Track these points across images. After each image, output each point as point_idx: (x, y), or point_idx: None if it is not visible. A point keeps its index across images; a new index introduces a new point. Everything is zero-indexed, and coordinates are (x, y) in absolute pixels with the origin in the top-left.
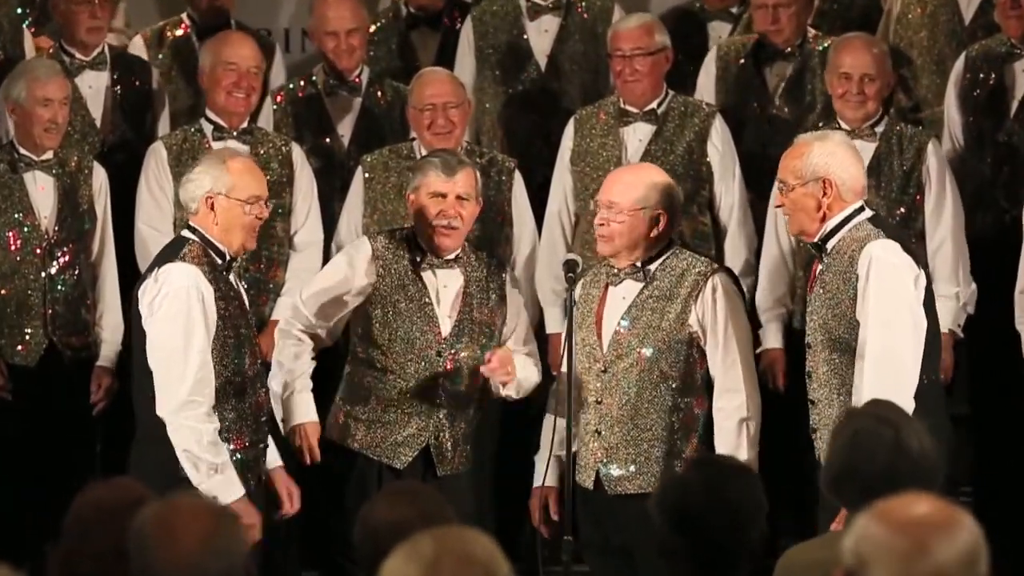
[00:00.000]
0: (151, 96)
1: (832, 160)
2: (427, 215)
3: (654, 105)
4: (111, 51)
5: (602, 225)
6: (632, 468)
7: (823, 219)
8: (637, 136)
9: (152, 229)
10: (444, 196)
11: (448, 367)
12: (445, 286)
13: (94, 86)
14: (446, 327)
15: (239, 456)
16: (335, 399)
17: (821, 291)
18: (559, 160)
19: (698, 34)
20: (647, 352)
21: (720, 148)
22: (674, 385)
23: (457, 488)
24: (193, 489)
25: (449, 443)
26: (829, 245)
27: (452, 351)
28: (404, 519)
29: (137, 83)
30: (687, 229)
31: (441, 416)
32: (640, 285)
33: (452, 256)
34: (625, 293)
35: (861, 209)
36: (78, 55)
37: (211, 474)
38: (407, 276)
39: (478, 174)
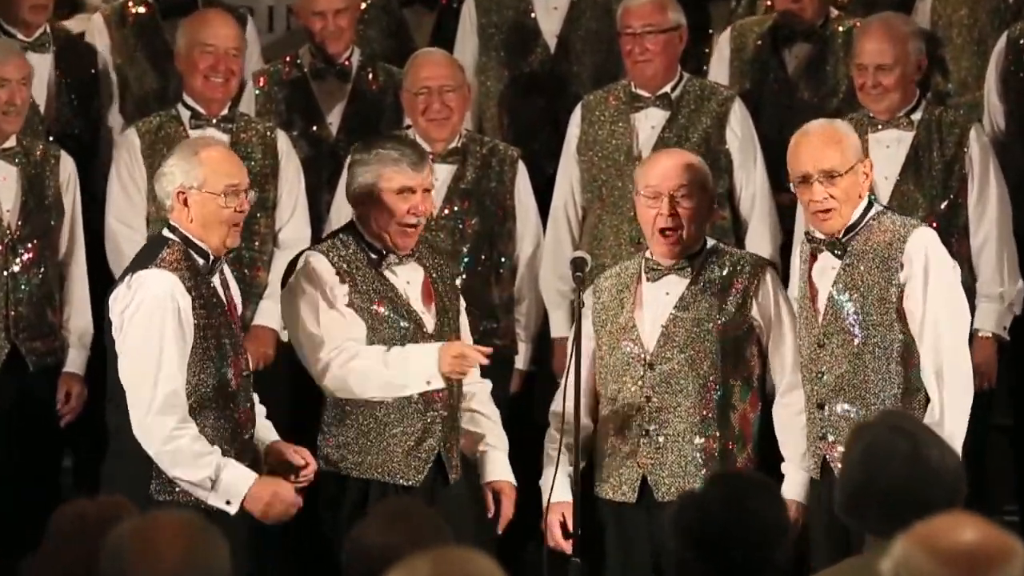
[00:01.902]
0: (98, 81)
1: (859, 141)
2: (392, 213)
3: (667, 89)
4: (54, 32)
5: (673, 217)
6: (692, 469)
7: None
8: (649, 123)
9: (123, 225)
10: (412, 191)
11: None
12: (408, 283)
13: (38, 70)
14: (430, 325)
15: None
16: (321, 425)
17: (845, 287)
18: (565, 150)
19: (697, 12)
20: (706, 346)
21: (740, 135)
22: (733, 385)
23: (460, 499)
24: (166, 505)
25: (455, 447)
26: (850, 239)
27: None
28: (395, 542)
29: (83, 67)
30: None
31: (444, 420)
32: (685, 279)
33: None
34: (668, 288)
35: (871, 200)
36: (19, 36)
37: (208, 487)
38: (375, 282)
39: (440, 167)
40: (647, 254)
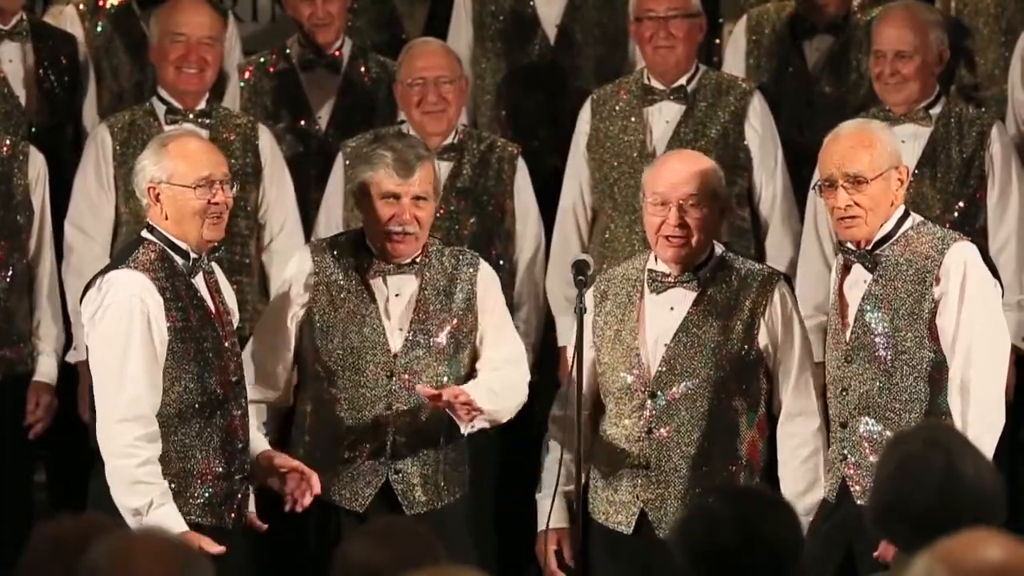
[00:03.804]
0: (79, 72)
1: (897, 145)
2: (378, 218)
3: (683, 81)
4: (31, 20)
5: (680, 227)
6: None
7: (887, 219)
8: (664, 117)
9: (79, 231)
10: (398, 198)
11: (402, 389)
12: (397, 294)
13: (14, 59)
14: (396, 343)
15: (208, 491)
16: (289, 439)
17: (876, 301)
18: (573, 147)
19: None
20: (711, 373)
21: (760, 131)
22: (740, 411)
23: (446, 523)
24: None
25: (416, 477)
26: (883, 251)
27: (406, 371)
28: (385, 561)
29: (64, 57)
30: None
31: (400, 447)
32: (692, 294)
33: (408, 260)
34: (673, 303)
35: (907, 210)
36: None
37: (137, 518)
38: (352, 286)
39: (436, 164)
40: (650, 262)
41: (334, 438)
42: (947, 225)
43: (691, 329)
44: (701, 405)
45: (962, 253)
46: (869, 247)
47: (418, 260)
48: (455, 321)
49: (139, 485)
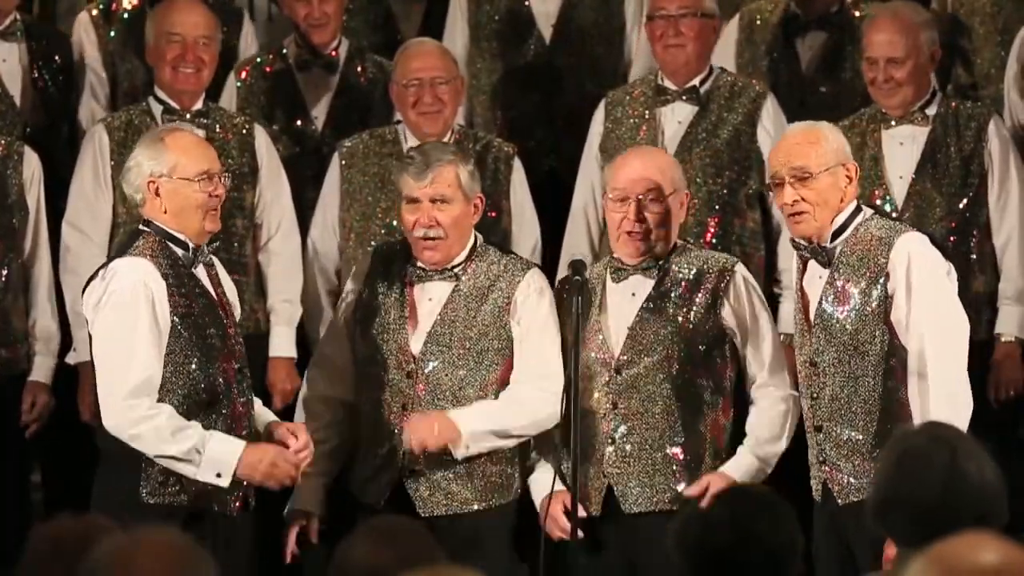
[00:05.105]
0: (73, 72)
1: (845, 144)
2: (406, 224)
3: (696, 82)
4: (24, 20)
5: (640, 222)
6: (660, 479)
7: (837, 214)
8: (676, 118)
9: (76, 231)
10: (418, 202)
11: (419, 390)
12: (430, 299)
13: (8, 60)
14: (417, 344)
15: None
16: None
17: (834, 299)
18: (587, 149)
19: None
20: (672, 349)
21: (773, 133)
22: (704, 387)
23: (457, 533)
24: (158, 508)
25: (426, 481)
26: (836, 247)
27: (424, 372)
28: (383, 562)
29: (57, 58)
30: (735, 225)
31: (417, 451)
32: (651, 280)
33: (449, 264)
34: (635, 289)
35: (859, 205)
36: None
37: (197, 457)
38: (390, 290)
39: (462, 167)
40: (612, 255)
41: (362, 433)
42: (952, 225)
43: (653, 308)
44: (663, 380)
45: (907, 246)
46: (822, 243)
47: (458, 266)
48: (481, 328)
49: (180, 432)
